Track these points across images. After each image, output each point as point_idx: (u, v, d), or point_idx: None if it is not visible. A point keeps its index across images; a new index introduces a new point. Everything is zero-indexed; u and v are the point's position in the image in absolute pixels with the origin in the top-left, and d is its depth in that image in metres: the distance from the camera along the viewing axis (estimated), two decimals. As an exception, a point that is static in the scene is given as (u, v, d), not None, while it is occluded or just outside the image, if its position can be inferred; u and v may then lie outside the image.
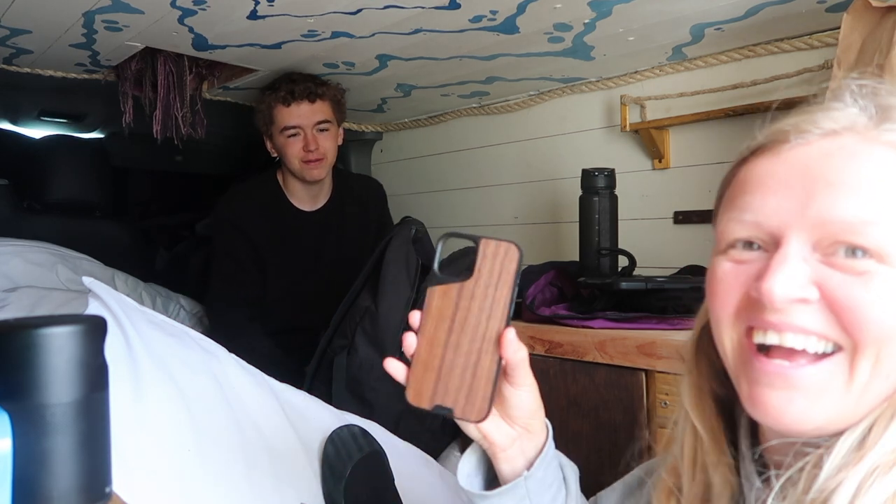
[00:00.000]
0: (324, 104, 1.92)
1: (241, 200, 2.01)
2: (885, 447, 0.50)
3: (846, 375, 0.52)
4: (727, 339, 0.57)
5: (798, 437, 0.54)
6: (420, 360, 0.66)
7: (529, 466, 0.70)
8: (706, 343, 0.65)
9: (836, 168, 0.52)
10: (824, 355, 0.52)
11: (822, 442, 0.53)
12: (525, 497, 0.70)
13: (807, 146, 0.54)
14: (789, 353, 0.53)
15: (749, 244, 0.56)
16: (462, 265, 0.66)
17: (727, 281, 0.56)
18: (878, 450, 0.50)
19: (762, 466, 0.59)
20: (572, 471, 0.76)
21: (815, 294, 0.52)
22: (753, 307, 0.54)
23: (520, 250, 0.64)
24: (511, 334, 0.64)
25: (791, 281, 0.51)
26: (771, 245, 0.54)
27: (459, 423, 0.67)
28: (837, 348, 0.52)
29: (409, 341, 0.66)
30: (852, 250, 0.51)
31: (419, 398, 0.66)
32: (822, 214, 0.51)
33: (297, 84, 1.88)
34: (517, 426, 0.69)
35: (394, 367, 0.68)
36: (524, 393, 0.68)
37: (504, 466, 0.71)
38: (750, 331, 0.55)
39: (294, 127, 1.90)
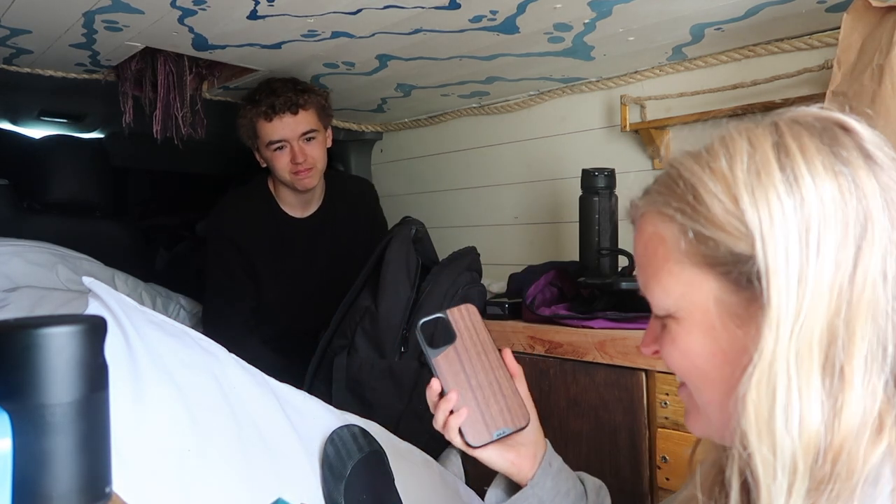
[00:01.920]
0: (307, 113, 1.87)
1: (232, 212, 1.99)
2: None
3: (693, 402, 0.63)
4: None
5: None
6: (462, 413, 0.81)
7: (533, 476, 0.81)
8: None
9: (635, 247, 0.65)
10: (683, 383, 0.65)
11: None
12: None
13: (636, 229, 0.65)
14: None
15: None
16: (443, 332, 0.85)
17: None
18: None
19: None
20: (594, 485, 0.86)
21: (657, 346, 0.65)
22: None
23: (476, 305, 0.89)
24: (507, 352, 0.86)
25: (643, 345, 0.67)
26: None
27: (491, 453, 0.83)
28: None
29: (448, 402, 0.82)
30: (655, 311, 0.63)
31: (479, 438, 0.81)
32: (641, 289, 0.64)
33: (279, 96, 1.83)
34: (529, 443, 0.83)
35: (456, 438, 0.82)
36: (528, 403, 0.85)
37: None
38: None
39: (279, 141, 1.86)
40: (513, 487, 0.84)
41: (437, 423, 0.82)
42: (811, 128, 0.56)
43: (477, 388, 0.82)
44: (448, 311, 0.85)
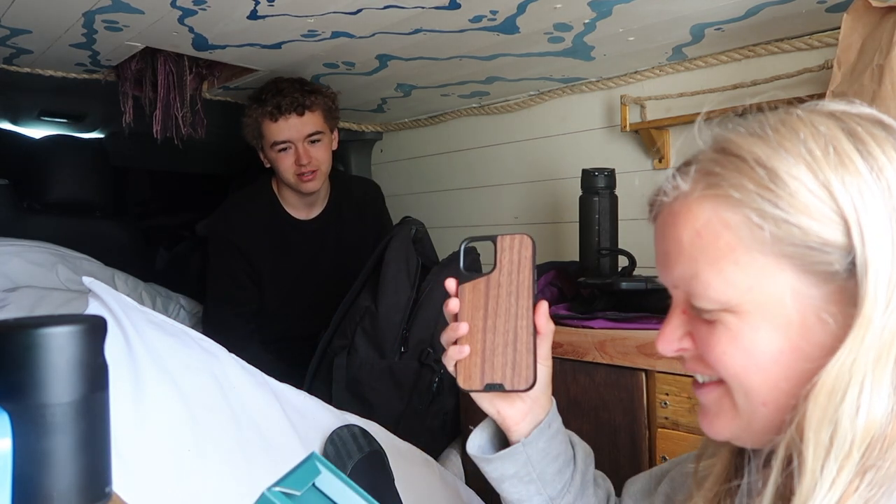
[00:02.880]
0: (313, 115, 1.86)
1: (234, 214, 1.97)
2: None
3: (730, 401, 0.58)
4: None
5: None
6: (463, 348, 0.74)
7: (528, 435, 0.77)
8: None
9: (666, 237, 0.59)
10: (713, 383, 0.59)
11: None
12: (527, 463, 0.76)
13: (659, 217, 0.61)
14: None
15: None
16: (473, 264, 0.77)
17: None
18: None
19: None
20: (584, 450, 0.82)
21: (687, 343, 0.60)
22: None
23: (532, 238, 0.75)
24: (544, 306, 0.74)
25: (667, 343, 0.61)
26: None
27: (481, 397, 0.76)
28: (720, 380, 0.58)
29: (456, 331, 0.74)
30: (700, 305, 0.57)
31: (469, 382, 0.73)
32: (670, 280, 0.59)
33: (285, 97, 1.81)
34: (528, 399, 0.76)
35: (463, 351, 0.74)
36: (542, 367, 0.75)
37: (516, 439, 0.77)
38: None
39: (284, 142, 1.85)
40: (498, 435, 0.80)
41: (442, 343, 0.75)
42: (860, 117, 0.55)
43: (490, 330, 0.73)
44: (499, 238, 0.75)
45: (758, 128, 0.57)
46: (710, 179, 0.56)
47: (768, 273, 0.53)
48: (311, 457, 0.60)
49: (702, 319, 0.57)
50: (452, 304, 0.74)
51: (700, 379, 0.61)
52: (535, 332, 0.73)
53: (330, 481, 0.59)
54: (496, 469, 0.77)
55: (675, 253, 0.57)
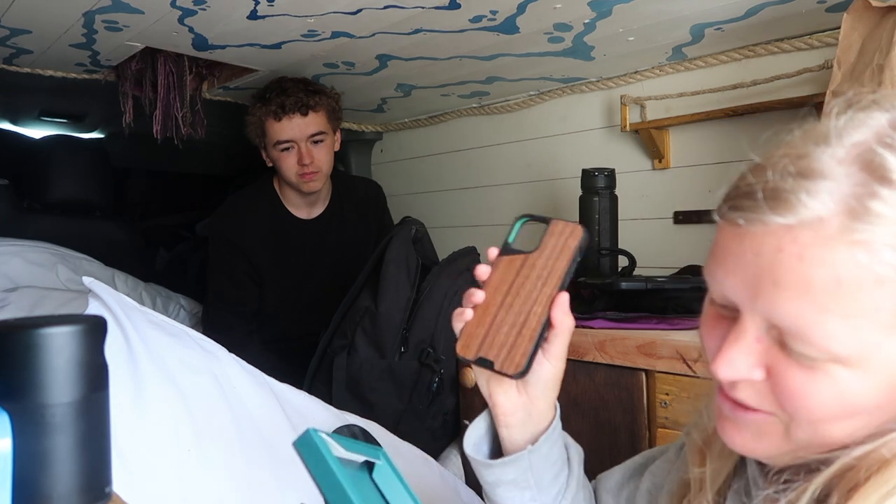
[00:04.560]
0: (317, 115, 1.86)
1: (235, 214, 1.97)
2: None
3: (783, 432, 0.54)
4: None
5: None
6: (475, 318, 0.71)
7: (535, 441, 0.72)
8: None
9: (783, 267, 0.49)
10: (764, 411, 0.54)
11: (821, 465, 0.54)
12: (528, 469, 0.72)
13: (766, 235, 0.50)
14: None
15: (719, 304, 0.57)
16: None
17: (707, 330, 0.58)
18: None
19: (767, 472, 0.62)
20: (577, 451, 0.79)
21: (760, 375, 0.53)
22: None
23: (585, 230, 0.71)
24: (564, 297, 0.69)
25: (733, 366, 0.53)
26: (737, 311, 0.54)
27: (479, 371, 0.72)
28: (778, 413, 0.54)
29: (475, 295, 0.71)
30: (804, 349, 0.50)
31: (466, 350, 0.70)
32: (768, 312, 0.51)
33: (289, 96, 1.82)
34: (524, 395, 0.72)
35: (466, 314, 0.71)
36: (549, 366, 0.71)
37: (505, 433, 0.73)
38: None
39: (287, 141, 1.85)
40: (492, 430, 0.76)
41: (462, 302, 0.73)
42: None
43: (506, 307, 0.70)
44: (553, 221, 0.72)
45: None
46: (868, 219, 0.47)
47: (894, 329, 0.48)
48: (379, 449, 0.60)
49: (790, 358, 0.51)
50: (482, 269, 0.72)
51: (749, 403, 0.54)
52: (549, 323, 0.69)
53: (385, 473, 0.59)
54: (494, 474, 0.74)
55: (791, 291, 0.49)
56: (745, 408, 0.55)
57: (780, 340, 0.51)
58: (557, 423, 0.74)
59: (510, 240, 0.73)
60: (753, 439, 0.55)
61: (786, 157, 0.51)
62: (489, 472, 0.74)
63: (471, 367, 0.73)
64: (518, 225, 0.73)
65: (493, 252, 0.73)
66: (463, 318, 0.71)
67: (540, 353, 0.70)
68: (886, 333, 0.48)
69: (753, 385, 0.53)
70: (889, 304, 0.47)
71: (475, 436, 0.76)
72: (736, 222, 0.52)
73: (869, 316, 0.47)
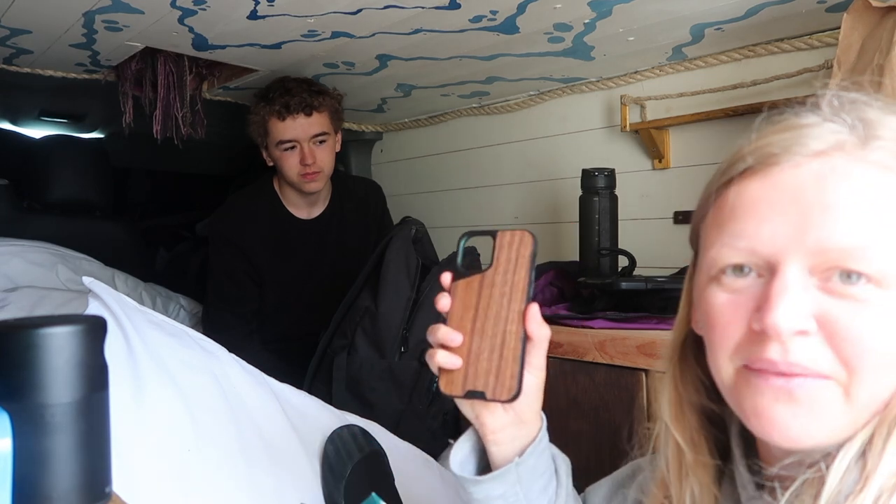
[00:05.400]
0: (321, 116, 1.87)
1: (236, 213, 1.97)
2: (886, 470, 0.49)
3: (844, 397, 0.51)
4: (725, 369, 0.57)
5: (796, 453, 0.54)
6: (450, 353, 0.69)
7: (521, 454, 0.70)
8: (691, 357, 0.66)
9: (830, 191, 0.51)
10: (816, 374, 0.52)
11: (821, 457, 0.53)
12: (516, 483, 0.70)
13: (796, 168, 0.53)
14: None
15: (740, 268, 0.55)
16: (472, 261, 0.70)
17: (727, 315, 0.56)
18: (880, 473, 0.49)
19: (758, 475, 0.60)
20: (564, 462, 0.77)
21: (813, 326, 0.51)
22: (755, 341, 0.53)
23: (533, 236, 0.69)
24: (535, 309, 0.66)
25: (793, 312, 0.50)
26: (765, 270, 0.53)
27: (461, 401, 0.70)
28: (835, 374, 0.52)
29: (448, 338, 0.68)
30: (848, 275, 0.50)
31: (451, 386, 0.68)
32: (821, 240, 0.50)
33: (293, 96, 1.82)
34: (511, 411, 0.69)
35: (444, 358, 0.69)
36: (532, 377, 0.68)
37: (494, 450, 0.71)
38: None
39: (290, 141, 1.85)
40: (479, 446, 0.74)
41: (429, 340, 0.70)
42: None
43: (478, 332, 0.67)
44: (499, 233, 0.69)
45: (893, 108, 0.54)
46: (886, 145, 0.52)
47: None
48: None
49: (842, 298, 0.50)
50: (444, 301, 0.69)
51: (799, 369, 0.51)
52: (526, 338, 0.66)
53: None
54: (482, 490, 0.71)
55: (844, 210, 0.50)
56: (800, 376, 0.51)
57: (825, 284, 0.51)
58: (544, 434, 0.72)
59: (460, 262, 0.70)
60: (811, 416, 0.51)
61: (781, 123, 0.56)
62: (478, 489, 0.71)
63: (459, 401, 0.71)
64: (463, 244, 0.70)
65: (447, 278, 0.70)
66: (436, 358, 0.68)
67: (526, 365, 0.67)
68: None
69: (808, 340, 0.51)
70: None
71: (461, 455, 0.74)
72: (763, 172, 0.54)
73: None
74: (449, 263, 1.67)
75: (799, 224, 0.51)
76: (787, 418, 0.52)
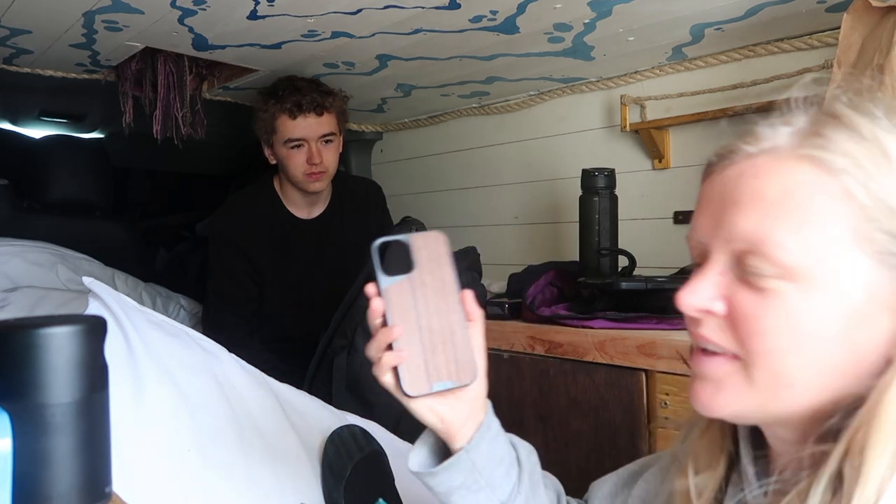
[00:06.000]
0: (330, 116, 1.88)
1: (236, 214, 1.97)
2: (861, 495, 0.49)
3: (744, 377, 0.55)
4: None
5: (785, 456, 0.57)
6: (404, 355, 0.71)
7: (470, 441, 0.71)
8: None
9: (741, 187, 0.55)
10: (725, 356, 0.56)
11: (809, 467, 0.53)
12: (473, 470, 0.72)
13: (731, 167, 0.57)
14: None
15: (697, 261, 0.59)
16: (403, 263, 0.73)
17: None
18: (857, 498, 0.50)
19: (764, 472, 0.61)
20: (526, 449, 0.78)
21: (720, 307, 0.55)
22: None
23: (444, 234, 0.74)
24: (469, 293, 0.72)
25: (696, 294, 0.56)
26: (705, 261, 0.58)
27: (421, 406, 0.72)
28: (735, 355, 0.55)
29: (389, 334, 0.70)
30: (758, 266, 0.53)
31: (417, 387, 0.70)
32: (729, 232, 0.54)
33: (304, 95, 1.83)
34: (466, 401, 0.72)
35: (387, 379, 0.71)
36: (479, 357, 0.72)
37: (459, 447, 0.72)
38: None
39: (299, 139, 1.86)
40: (439, 447, 0.75)
41: (371, 354, 0.71)
42: None
43: (426, 330, 0.70)
44: (412, 237, 0.73)
45: (867, 107, 0.53)
46: (817, 141, 0.53)
47: (848, 250, 0.51)
48: None
49: (747, 286, 0.54)
50: (378, 306, 0.70)
51: (711, 348, 0.57)
52: (467, 322, 0.71)
53: None
54: (442, 482, 0.72)
55: (747, 206, 0.54)
56: (708, 355, 0.57)
57: (741, 274, 0.54)
58: (491, 420, 0.74)
59: (381, 270, 0.71)
60: (715, 391, 0.56)
61: (746, 125, 0.59)
62: (437, 481, 0.73)
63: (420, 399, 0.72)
64: (376, 253, 0.72)
65: (373, 289, 0.71)
66: (400, 358, 0.69)
67: None
68: (831, 247, 0.51)
69: (715, 320, 0.56)
70: (832, 216, 0.51)
71: (420, 456, 0.75)
72: (710, 170, 0.58)
73: (813, 223, 0.51)
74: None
75: (718, 216, 0.56)
76: (698, 390, 0.58)
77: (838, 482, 0.51)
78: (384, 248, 0.72)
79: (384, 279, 0.70)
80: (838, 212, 0.51)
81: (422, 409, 0.71)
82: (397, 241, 0.72)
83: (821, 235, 0.51)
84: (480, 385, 0.72)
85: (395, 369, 0.70)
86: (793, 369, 0.53)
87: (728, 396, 0.56)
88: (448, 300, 0.71)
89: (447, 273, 0.72)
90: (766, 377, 0.53)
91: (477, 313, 0.72)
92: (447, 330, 0.71)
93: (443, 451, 0.75)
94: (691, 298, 0.56)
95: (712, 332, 0.56)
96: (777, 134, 0.55)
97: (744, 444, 0.63)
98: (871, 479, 0.48)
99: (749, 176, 0.55)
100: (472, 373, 0.70)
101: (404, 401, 0.71)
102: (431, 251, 0.72)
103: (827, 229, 0.51)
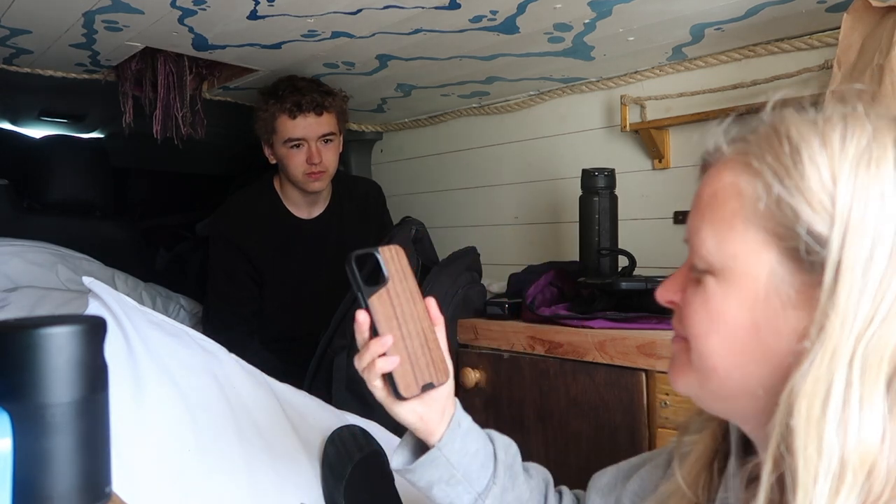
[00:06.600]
0: (330, 116, 1.88)
1: (236, 214, 1.97)
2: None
3: (686, 358, 0.61)
4: None
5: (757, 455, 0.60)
6: (395, 360, 0.77)
7: (440, 439, 0.78)
8: None
9: (698, 192, 0.61)
10: (681, 337, 0.62)
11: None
12: (448, 465, 0.78)
13: (706, 172, 0.63)
14: None
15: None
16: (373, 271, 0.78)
17: None
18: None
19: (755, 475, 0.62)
20: (504, 443, 0.83)
21: (679, 299, 0.62)
22: None
23: (404, 247, 0.81)
24: (431, 301, 0.80)
25: (664, 288, 0.64)
26: None
27: (403, 408, 0.78)
28: (685, 338, 0.61)
29: (383, 344, 0.76)
30: (695, 262, 0.59)
31: (409, 389, 0.76)
32: (687, 234, 0.62)
33: (304, 95, 1.83)
34: (439, 400, 0.79)
35: (378, 385, 0.77)
36: (448, 356, 0.80)
37: (434, 443, 0.79)
38: None
39: (299, 139, 1.86)
40: (419, 447, 0.81)
41: (361, 363, 0.76)
42: None
43: (407, 336, 0.77)
44: (380, 250, 0.78)
45: (818, 114, 0.56)
46: (741, 146, 0.58)
47: (755, 247, 0.55)
48: None
49: (694, 280, 0.60)
50: (365, 319, 0.75)
51: (675, 327, 0.64)
52: (433, 326, 0.79)
53: None
54: (422, 477, 0.79)
55: (694, 207, 0.61)
56: (675, 339, 0.64)
57: (692, 264, 0.60)
58: (460, 416, 0.80)
59: (362, 282, 0.76)
60: (672, 368, 0.64)
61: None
62: (416, 477, 0.79)
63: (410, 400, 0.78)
64: (355, 267, 0.77)
65: (360, 299, 0.77)
66: (393, 364, 0.75)
67: None
68: (742, 244, 0.55)
69: (678, 309, 0.63)
70: (745, 214, 0.55)
71: (403, 456, 0.82)
72: (700, 174, 0.65)
73: (728, 222, 0.56)
74: (449, 267, 1.68)
75: (690, 220, 0.62)
76: (669, 370, 0.65)
77: (779, 491, 0.52)
78: (360, 261, 0.77)
79: (367, 290, 0.76)
80: (749, 211, 0.55)
81: (406, 411, 0.77)
82: (368, 254, 0.77)
83: (733, 234, 0.56)
84: (451, 383, 0.80)
85: (383, 376, 0.76)
86: (713, 352, 0.58)
87: (678, 373, 0.63)
88: (417, 307, 0.78)
89: (412, 281, 0.78)
90: (696, 358, 0.59)
91: (440, 318, 0.80)
92: (422, 334, 0.78)
93: (423, 449, 0.80)
94: (661, 292, 0.64)
95: (675, 320, 0.64)
96: (727, 139, 0.61)
97: (734, 446, 0.65)
98: (801, 484, 0.49)
99: (702, 181, 0.62)
100: (447, 372, 0.78)
101: (394, 405, 0.77)
102: (397, 262, 0.78)
103: (738, 227, 0.56)
